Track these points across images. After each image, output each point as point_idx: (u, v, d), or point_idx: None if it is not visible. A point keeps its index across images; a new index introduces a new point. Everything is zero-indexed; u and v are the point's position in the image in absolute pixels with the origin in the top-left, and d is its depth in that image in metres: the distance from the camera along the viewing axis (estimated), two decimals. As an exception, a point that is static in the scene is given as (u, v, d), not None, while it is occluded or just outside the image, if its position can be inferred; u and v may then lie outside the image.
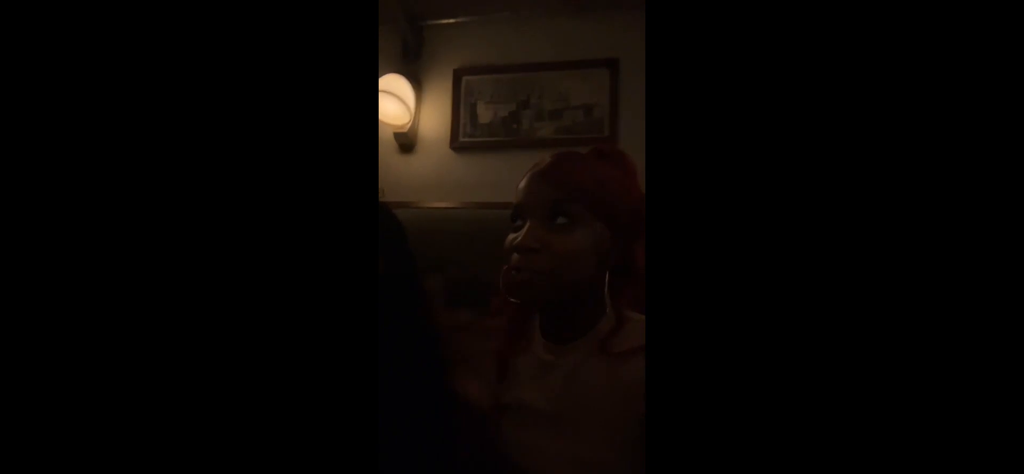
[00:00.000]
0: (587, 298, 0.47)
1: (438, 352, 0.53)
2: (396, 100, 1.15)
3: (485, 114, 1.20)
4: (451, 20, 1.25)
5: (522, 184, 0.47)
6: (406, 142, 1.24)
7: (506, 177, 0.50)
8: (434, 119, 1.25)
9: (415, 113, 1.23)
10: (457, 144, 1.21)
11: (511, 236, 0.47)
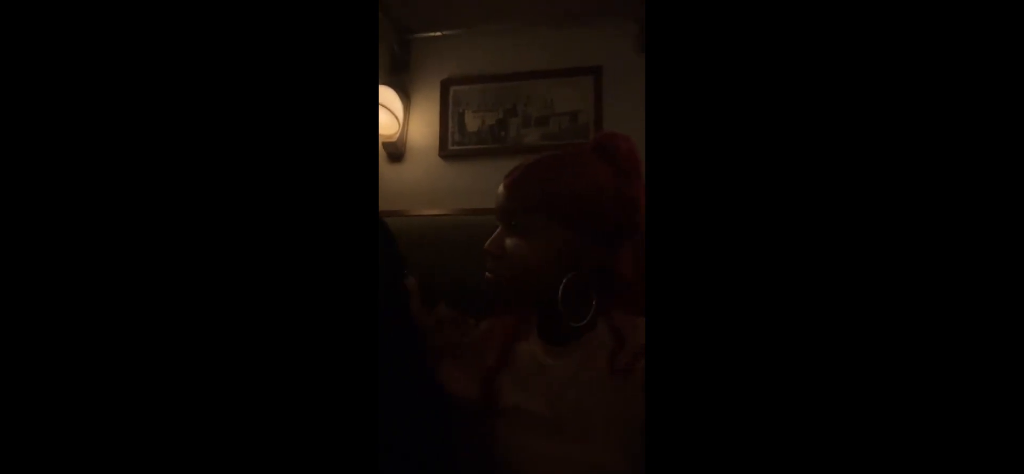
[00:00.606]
0: (568, 303, 0.45)
1: (426, 353, 0.52)
2: (385, 111, 1.13)
3: (473, 122, 1.19)
4: (437, 33, 1.23)
5: (498, 190, 0.48)
6: (395, 152, 1.21)
7: (494, 183, 0.50)
8: (423, 129, 1.23)
9: (404, 123, 1.20)
10: (446, 152, 1.19)
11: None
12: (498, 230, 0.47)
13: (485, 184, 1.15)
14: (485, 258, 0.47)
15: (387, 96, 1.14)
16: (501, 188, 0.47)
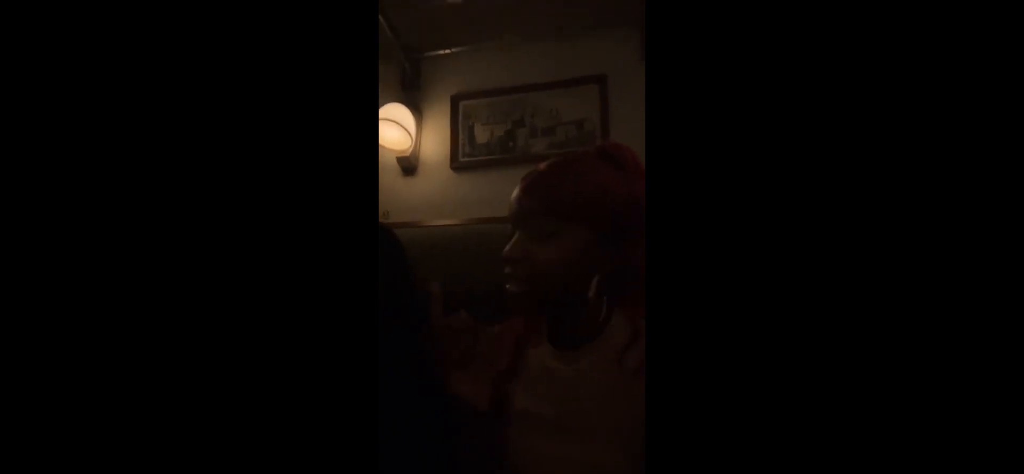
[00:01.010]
0: (586, 304, 0.45)
1: (438, 361, 0.51)
2: (398, 127, 1.15)
3: (482, 135, 1.20)
4: (446, 51, 1.26)
5: (512, 196, 0.47)
6: (409, 165, 1.23)
7: (504, 193, 0.50)
8: (434, 142, 1.24)
9: (416, 138, 1.22)
10: (457, 164, 1.20)
11: (506, 247, 0.46)
12: (517, 236, 0.45)
13: (495, 194, 1.17)
14: (506, 264, 0.45)
15: (400, 113, 1.16)
16: (519, 193, 0.46)
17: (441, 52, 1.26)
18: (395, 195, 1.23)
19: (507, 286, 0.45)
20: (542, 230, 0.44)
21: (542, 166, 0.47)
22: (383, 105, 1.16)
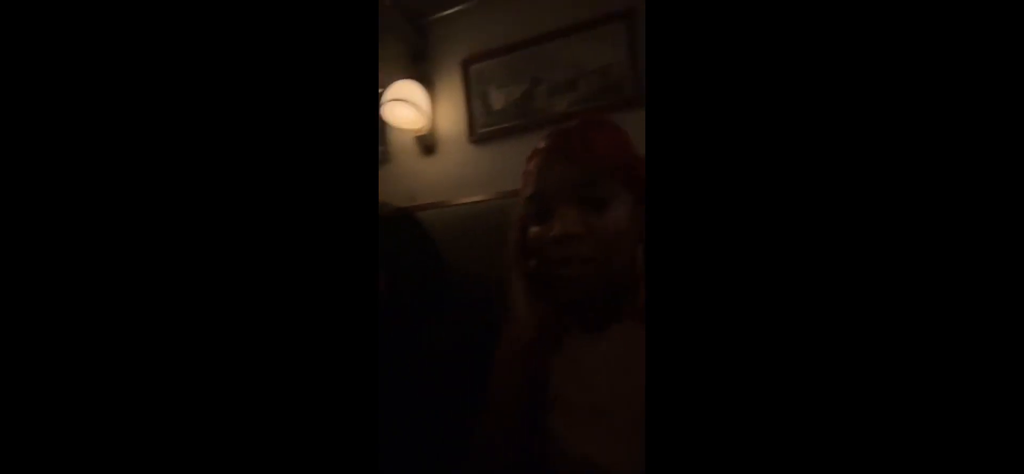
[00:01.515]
0: (625, 279, 0.41)
1: (454, 358, 0.48)
2: (410, 106, 1.09)
3: (498, 100, 1.10)
4: (450, 10, 1.15)
5: (533, 169, 0.41)
6: (428, 144, 1.18)
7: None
8: (451, 116, 1.17)
9: (432, 113, 1.16)
10: (475, 137, 1.13)
11: (534, 229, 0.41)
12: (562, 211, 0.39)
13: (519, 164, 1.09)
14: (559, 243, 0.39)
15: (411, 90, 1.10)
16: (546, 161, 0.40)
17: (445, 13, 1.15)
18: (418, 176, 1.19)
19: (561, 270, 0.39)
20: (592, 199, 0.38)
21: (547, 138, 0.42)
22: (393, 83, 1.10)
